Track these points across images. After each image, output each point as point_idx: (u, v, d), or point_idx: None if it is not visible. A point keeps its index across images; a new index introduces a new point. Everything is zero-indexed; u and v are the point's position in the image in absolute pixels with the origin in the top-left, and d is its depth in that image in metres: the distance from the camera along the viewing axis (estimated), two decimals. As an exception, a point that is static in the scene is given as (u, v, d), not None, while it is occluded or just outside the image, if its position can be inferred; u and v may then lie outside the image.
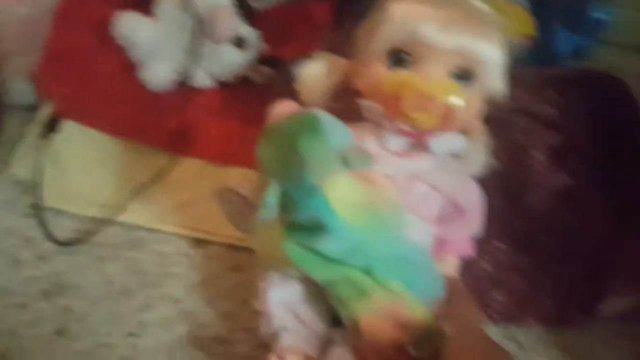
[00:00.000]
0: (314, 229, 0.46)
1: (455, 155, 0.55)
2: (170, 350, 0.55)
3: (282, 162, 0.46)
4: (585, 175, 0.60)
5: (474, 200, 0.54)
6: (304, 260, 0.48)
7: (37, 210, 0.64)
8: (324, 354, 0.50)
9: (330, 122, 0.48)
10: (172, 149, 0.68)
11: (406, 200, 0.51)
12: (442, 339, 0.44)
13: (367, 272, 0.47)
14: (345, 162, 0.47)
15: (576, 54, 0.70)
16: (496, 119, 0.60)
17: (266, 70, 0.74)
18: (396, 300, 0.46)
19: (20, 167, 0.67)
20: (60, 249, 0.62)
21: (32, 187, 0.65)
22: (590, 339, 0.58)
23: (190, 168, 0.69)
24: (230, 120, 0.71)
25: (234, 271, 0.61)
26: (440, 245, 0.54)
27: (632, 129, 0.61)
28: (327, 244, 0.46)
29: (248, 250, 0.62)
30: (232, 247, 0.63)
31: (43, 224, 0.63)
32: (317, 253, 0.48)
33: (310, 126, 0.46)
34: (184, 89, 0.72)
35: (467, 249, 0.56)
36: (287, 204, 0.47)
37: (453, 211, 0.53)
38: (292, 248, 0.48)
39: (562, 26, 0.70)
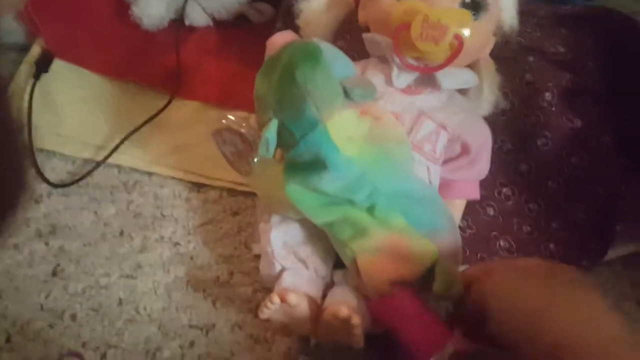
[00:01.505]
0: (315, 165, 0.45)
1: (465, 93, 0.53)
2: (169, 292, 0.54)
3: (281, 94, 0.44)
4: (594, 116, 0.59)
5: (482, 140, 0.53)
6: (304, 202, 0.47)
7: (29, 152, 0.62)
8: (326, 295, 0.49)
9: (331, 52, 0.46)
10: (167, 89, 0.66)
11: (413, 138, 0.49)
12: (451, 276, 0.43)
13: (370, 209, 0.46)
14: (347, 93, 0.44)
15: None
16: (507, 57, 0.58)
17: (265, 7, 0.71)
18: (396, 237, 0.45)
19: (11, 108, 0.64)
20: (54, 191, 0.61)
21: (23, 129, 0.63)
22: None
23: (186, 110, 0.67)
24: (227, 61, 0.69)
25: (233, 215, 0.60)
26: (446, 186, 0.52)
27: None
28: (328, 180, 0.45)
29: (246, 195, 0.62)
30: (231, 192, 0.62)
31: (35, 165, 0.61)
32: (317, 194, 0.46)
33: (310, 56, 0.44)
34: (178, 27, 0.69)
35: (474, 191, 0.55)
36: (286, 140, 0.45)
37: (460, 151, 0.52)
38: (293, 189, 0.46)
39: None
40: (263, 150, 0.45)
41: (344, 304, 0.46)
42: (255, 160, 0.48)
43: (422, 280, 0.44)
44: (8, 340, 0.51)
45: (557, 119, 0.58)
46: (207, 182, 0.62)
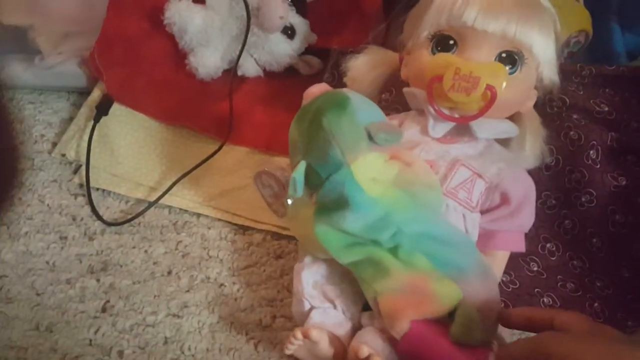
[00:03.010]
0: (339, 204, 0.47)
1: (507, 145, 0.53)
2: (213, 333, 0.55)
3: (309, 138, 0.48)
4: (638, 175, 0.59)
5: (524, 191, 0.54)
6: (330, 242, 0.49)
7: (86, 190, 0.64)
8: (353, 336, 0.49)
9: (359, 100, 0.49)
10: (219, 135, 0.69)
11: (448, 185, 0.50)
12: (472, 321, 0.43)
13: (393, 250, 0.47)
14: (371, 137, 0.46)
15: (633, 53, 0.68)
16: (551, 114, 0.58)
17: (313, 60, 0.74)
18: (418, 277, 0.46)
19: (71, 148, 0.68)
20: (107, 229, 0.63)
21: (81, 168, 0.66)
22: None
23: (235, 155, 0.70)
24: (275, 110, 0.73)
25: (276, 258, 0.62)
26: (489, 237, 0.53)
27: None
28: (352, 219, 0.47)
29: (290, 239, 0.64)
30: (274, 235, 0.64)
31: (91, 204, 0.63)
32: (343, 234, 0.48)
33: (337, 104, 0.48)
34: (231, 77, 0.71)
35: (518, 244, 0.55)
36: (314, 180, 0.49)
37: (500, 200, 0.52)
38: (320, 229, 0.48)
39: (619, 25, 0.68)
40: (292, 191, 0.48)
41: (365, 344, 0.46)
42: (289, 201, 0.49)
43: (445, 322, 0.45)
44: (57, 374, 0.52)
45: (602, 177, 0.59)
46: (253, 225, 0.64)
